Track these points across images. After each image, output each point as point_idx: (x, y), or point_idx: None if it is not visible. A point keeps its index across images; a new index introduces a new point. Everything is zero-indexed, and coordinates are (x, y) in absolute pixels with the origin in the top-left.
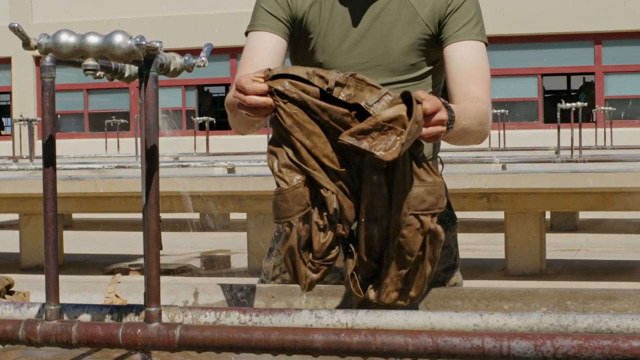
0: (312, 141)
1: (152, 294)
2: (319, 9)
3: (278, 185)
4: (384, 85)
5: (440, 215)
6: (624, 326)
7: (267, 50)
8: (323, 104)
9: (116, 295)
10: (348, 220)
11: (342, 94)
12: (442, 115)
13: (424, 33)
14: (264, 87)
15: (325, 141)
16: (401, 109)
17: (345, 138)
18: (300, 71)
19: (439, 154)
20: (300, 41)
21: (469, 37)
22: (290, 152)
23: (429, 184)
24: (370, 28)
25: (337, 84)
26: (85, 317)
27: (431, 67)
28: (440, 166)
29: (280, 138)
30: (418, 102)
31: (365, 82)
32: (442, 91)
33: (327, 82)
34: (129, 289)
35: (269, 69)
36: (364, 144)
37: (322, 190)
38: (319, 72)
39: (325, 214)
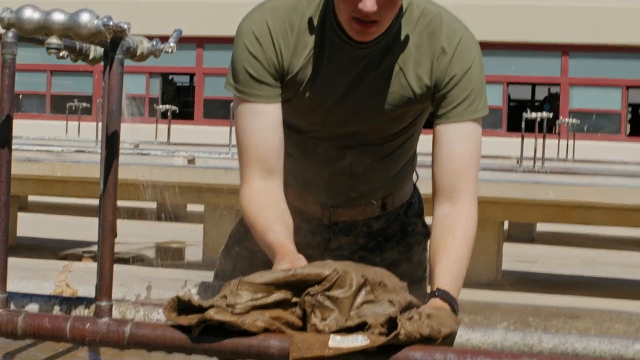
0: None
1: (103, 287)
2: (307, 73)
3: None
4: (363, 145)
5: (416, 236)
6: (590, 349)
7: (270, 128)
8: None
9: (67, 285)
10: None
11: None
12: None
13: (416, 106)
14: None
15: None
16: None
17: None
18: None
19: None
20: (282, 97)
21: (462, 119)
22: None
23: None
24: (361, 103)
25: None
26: (33, 307)
27: (414, 123)
28: (415, 176)
29: None
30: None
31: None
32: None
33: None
34: (81, 278)
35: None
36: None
37: None
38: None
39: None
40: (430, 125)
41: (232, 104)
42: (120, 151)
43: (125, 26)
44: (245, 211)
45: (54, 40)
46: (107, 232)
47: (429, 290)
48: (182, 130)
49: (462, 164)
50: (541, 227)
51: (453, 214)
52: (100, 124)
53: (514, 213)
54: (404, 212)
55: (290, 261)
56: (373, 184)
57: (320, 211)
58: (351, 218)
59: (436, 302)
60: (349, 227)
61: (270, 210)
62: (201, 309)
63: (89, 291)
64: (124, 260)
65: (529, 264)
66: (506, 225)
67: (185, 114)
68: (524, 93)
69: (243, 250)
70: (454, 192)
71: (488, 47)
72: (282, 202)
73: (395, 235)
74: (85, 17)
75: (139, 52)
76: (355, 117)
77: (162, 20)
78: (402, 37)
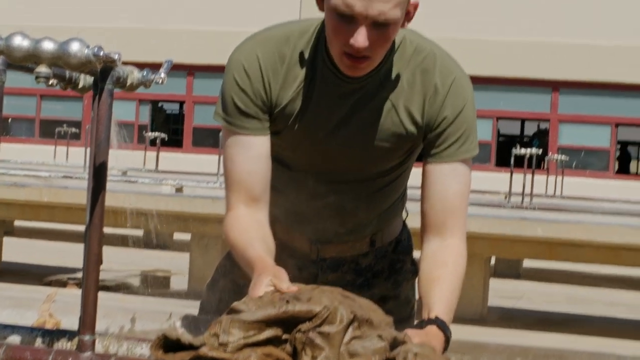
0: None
1: (87, 320)
2: (297, 106)
3: None
4: (352, 181)
5: (404, 273)
6: None
7: (257, 160)
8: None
9: (50, 315)
10: None
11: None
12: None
13: (408, 143)
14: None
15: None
16: None
17: None
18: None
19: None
20: (271, 129)
21: (454, 159)
22: None
23: None
24: (352, 138)
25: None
26: (14, 339)
27: (405, 161)
28: (405, 213)
29: None
30: None
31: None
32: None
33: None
34: (65, 308)
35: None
36: None
37: None
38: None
39: None
40: (419, 158)
41: (221, 133)
42: (108, 178)
43: (116, 56)
44: (228, 234)
45: (43, 69)
46: (92, 265)
47: (422, 317)
48: (170, 158)
49: (452, 202)
50: (528, 263)
51: (443, 249)
52: (89, 150)
53: (501, 249)
54: (393, 249)
55: (272, 274)
56: (362, 220)
57: (308, 247)
58: (339, 254)
59: (432, 330)
60: (337, 263)
61: (252, 232)
62: (192, 347)
63: (72, 322)
64: (109, 288)
65: (515, 300)
66: (493, 261)
67: (174, 142)
68: (513, 128)
69: (229, 283)
70: (444, 228)
71: (478, 82)
72: (266, 227)
73: (384, 273)
74: (75, 47)
75: (129, 82)
76: (345, 153)
77: (153, 48)
78: (395, 73)
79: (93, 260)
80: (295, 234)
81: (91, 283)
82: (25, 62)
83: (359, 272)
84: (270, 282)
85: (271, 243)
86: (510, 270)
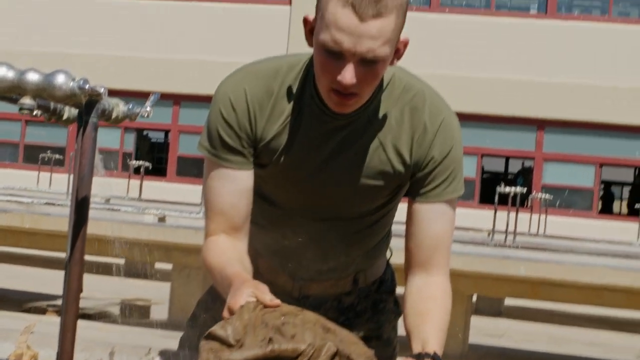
0: None
1: (65, 357)
2: (282, 141)
3: None
4: (338, 219)
5: (387, 313)
6: None
7: (238, 193)
8: None
9: (27, 347)
10: None
11: None
12: None
13: (394, 182)
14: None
15: None
16: None
17: None
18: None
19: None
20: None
21: (441, 199)
22: None
23: None
24: (339, 176)
25: None
26: None
27: (391, 200)
28: (389, 253)
29: None
30: None
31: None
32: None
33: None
34: (43, 340)
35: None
36: None
37: None
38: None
39: None
40: (405, 195)
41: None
42: (91, 206)
43: (102, 90)
44: (206, 257)
45: (27, 101)
46: (72, 300)
47: (415, 350)
48: (154, 187)
49: (438, 241)
50: (509, 301)
51: (429, 285)
52: (72, 176)
53: (484, 287)
54: (376, 288)
55: (253, 286)
56: (346, 258)
57: (291, 284)
58: (322, 292)
59: None
60: (319, 301)
61: (230, 254)
62: None
63: (49, 354)
64: (89, 316)
65: (496, 338)
66: (474, 298)
67: (158, 170)
68: (497, 165)
69: (210, 319)
70: (430, 265)
71: (463, 119)
72: (244, 253)
73: (366, 312)
74: (60, 79)
75: (114, 115)
76: (331, 190)
77: (140, 77)
78: (383, 111)
79: (73, 295)
80: (278, 270)
81: (70, 318)
82: (10, 93)
83: (341, 311)
84: (252, 293)
85: (249, 267)
86: (492, 308)
